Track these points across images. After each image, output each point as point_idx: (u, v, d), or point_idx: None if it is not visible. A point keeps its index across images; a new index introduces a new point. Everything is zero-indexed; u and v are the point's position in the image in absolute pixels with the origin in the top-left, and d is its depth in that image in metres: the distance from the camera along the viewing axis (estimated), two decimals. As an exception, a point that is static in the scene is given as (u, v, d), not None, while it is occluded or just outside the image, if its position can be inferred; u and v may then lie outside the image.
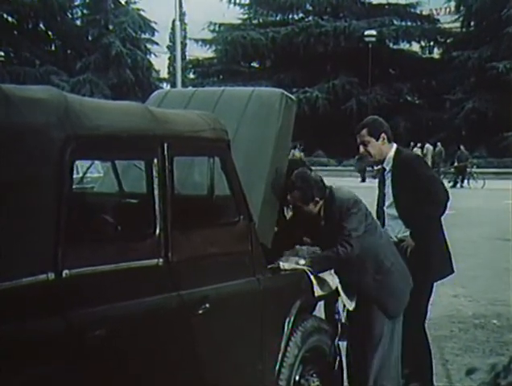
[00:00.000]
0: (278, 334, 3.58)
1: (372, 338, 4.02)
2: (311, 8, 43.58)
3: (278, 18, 44.41)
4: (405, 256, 4.23)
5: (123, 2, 43.22)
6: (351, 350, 4.19)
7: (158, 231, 2.91)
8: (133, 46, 41.82)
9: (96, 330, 2.55)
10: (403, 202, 4.37)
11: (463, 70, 37.53)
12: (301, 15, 44.17)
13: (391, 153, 4.46)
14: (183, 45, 43.10)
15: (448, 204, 4.35)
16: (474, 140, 33.64)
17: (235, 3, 43.79)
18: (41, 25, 42.17)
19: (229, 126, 3.46)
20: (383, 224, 4.48)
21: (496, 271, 8.35)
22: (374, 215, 4.55)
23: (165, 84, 46.71)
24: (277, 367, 3.56)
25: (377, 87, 37.15)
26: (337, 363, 4.01)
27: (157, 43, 44.87)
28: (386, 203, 4.48)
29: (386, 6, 43.54)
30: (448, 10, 43.63)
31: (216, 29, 43.79)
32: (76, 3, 43.66)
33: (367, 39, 33.51)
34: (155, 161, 2.94)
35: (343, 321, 4.07)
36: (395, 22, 42.10)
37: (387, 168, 4.48)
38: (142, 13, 43.05)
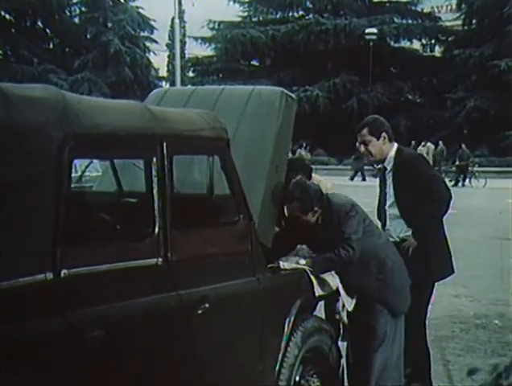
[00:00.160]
0: (278, 334, 3.57)
1: (375, 338, 4.01)
2: (311, 6, 43.45)
3: (278, 16, 44.23)
4: (406, 256, 4.22)
5: (122, 0, 43.03)
6: (351, 350, 4.18)
7: (157, 230, 2.90)
8: (132, 44, 41.61)
9: (95, 330, 2.54)
10: (405, 201, 4.36)
11: (464, 68, 37.45)
12: (301, 13, 44.04)
13: (392, 152, 4.45)
14: (183, 43, 42.90)
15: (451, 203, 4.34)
16: (476, 138, 33.57)
17: (235, 1, 43.72)
18: (39, 23, 41.85)
19: (228, 125, 3.44)
20: (385, 224, 4.47)
21: (497, 271, 8.31)
22: (375, 214, 4.54)
23: (164, 83, 46.70)
24: (277, 367, 3.55)
25: (378, 85, 37.05)
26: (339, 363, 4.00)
27: (156, 41, 44.67)
28: (388, 203, 4.47)
29: (387, 4, 43.43)
30: (449, 7, 43.53)
31: (216, 27, 43.58)
32: (75, 1, 43.32)
33: (368, 37, 33.48)
34: (154, 160, 2.93)
35: (344, 321, 4.06)
36: (396, 19, 41.94)
37: (388, 167, 4.47)
38: (140, 11, 42.78)
